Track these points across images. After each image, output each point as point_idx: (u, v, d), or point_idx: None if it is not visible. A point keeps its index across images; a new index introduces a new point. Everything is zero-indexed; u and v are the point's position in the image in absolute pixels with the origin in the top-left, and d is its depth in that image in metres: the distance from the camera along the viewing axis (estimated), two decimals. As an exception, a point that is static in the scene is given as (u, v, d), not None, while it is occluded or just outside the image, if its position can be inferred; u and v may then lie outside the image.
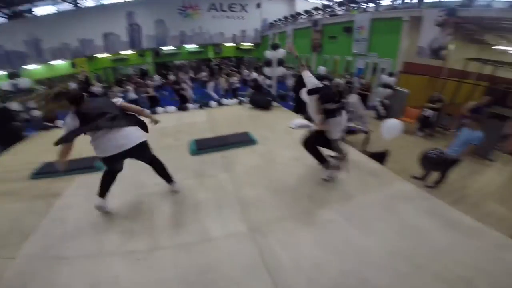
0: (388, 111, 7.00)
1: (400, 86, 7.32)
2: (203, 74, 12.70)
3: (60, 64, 16.69)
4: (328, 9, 14.37)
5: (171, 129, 4.68)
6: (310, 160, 3.06)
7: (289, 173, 2.94)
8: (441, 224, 2.01)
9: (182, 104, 6.84)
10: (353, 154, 3.26)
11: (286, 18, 17.75)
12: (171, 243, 2.02)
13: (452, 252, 1.78)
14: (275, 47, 6.08)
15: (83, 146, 3.76)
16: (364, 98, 7.47)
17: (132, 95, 8.69)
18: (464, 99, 6.78)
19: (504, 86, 7.76)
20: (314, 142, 2.65)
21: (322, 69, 6.59)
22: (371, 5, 11.66)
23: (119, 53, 17.51)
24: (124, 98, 8.36)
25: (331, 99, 2.41)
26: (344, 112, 2.56)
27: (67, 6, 16.58)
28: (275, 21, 18.77)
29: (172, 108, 6.15)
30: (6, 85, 5.32)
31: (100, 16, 16.57)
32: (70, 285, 1.74)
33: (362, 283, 1.61)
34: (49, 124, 5.34)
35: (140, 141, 2.13)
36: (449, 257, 1.74)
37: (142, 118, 2.31)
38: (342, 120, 2.53)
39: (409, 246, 1.84)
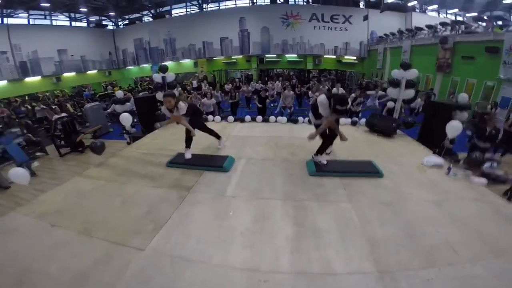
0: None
1: None
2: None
3: (186, 62, 19.64)
4: (459, 25, 11.93)
5: (285, 140, 4.65)
6: (453, 204, 2.67)
7: (426, 217, 2.45)
8: None
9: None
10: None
11: (401, 32, 15.83)
12: (292, 269, 1.91)
13: None
14: (405, 66, 5.30)
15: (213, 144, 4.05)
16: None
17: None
18: None
19: None
20: None
21: (463, 97, 5.17)
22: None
23: (230, 57, 19.39)
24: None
25: None
26: None
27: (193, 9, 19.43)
28: (386, 35, 17.00)
29: (283, 118, 6.01)
30: (157, 77, 5.94)
31: (219, 21, 18.57)
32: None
33: None
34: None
35: None
36: None
37: None
38: None
39: None
